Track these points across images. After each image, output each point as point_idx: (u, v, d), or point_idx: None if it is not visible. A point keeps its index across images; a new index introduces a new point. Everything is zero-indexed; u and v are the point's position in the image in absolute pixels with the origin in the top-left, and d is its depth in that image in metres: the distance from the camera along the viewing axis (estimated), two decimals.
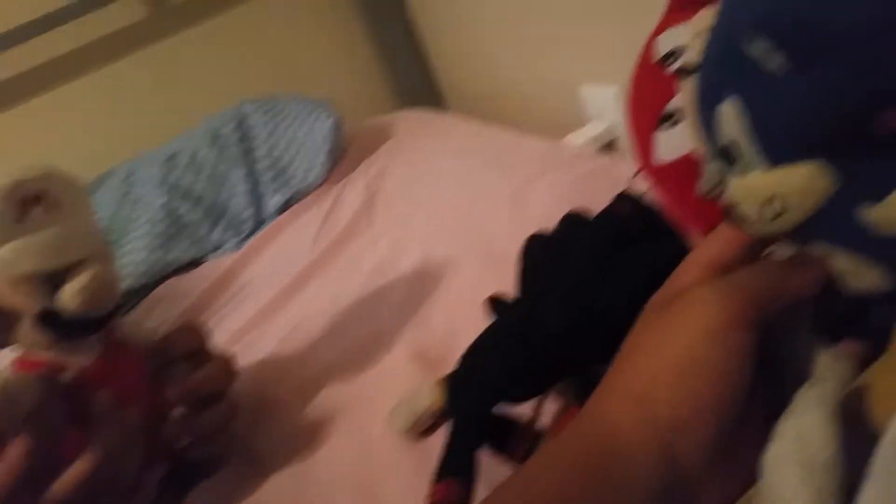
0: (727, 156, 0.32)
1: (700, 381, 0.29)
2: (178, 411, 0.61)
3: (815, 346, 0.33)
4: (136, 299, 1.06)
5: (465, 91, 1.47)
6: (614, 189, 0.74)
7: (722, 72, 0.31)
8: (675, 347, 0.31)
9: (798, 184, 0.30)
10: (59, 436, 0.51)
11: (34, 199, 0.52)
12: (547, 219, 0.57)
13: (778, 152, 0.30)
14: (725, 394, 0.29)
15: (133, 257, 1.09)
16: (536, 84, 1.15)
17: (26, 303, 0.51)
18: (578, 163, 0.85)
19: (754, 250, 0.35)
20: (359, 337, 0.73)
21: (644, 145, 0.60)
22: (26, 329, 0.52)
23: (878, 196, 0.29)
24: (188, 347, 0.62)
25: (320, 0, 1.54)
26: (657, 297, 0.36)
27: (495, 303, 0.50)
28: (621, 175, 0.77)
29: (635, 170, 0.74)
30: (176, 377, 0.61)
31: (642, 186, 0.71)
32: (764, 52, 0.28)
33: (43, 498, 0.48)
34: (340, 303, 0.81)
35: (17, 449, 0.48)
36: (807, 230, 0.32)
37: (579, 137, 0.96)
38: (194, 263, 1.13)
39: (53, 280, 0.51)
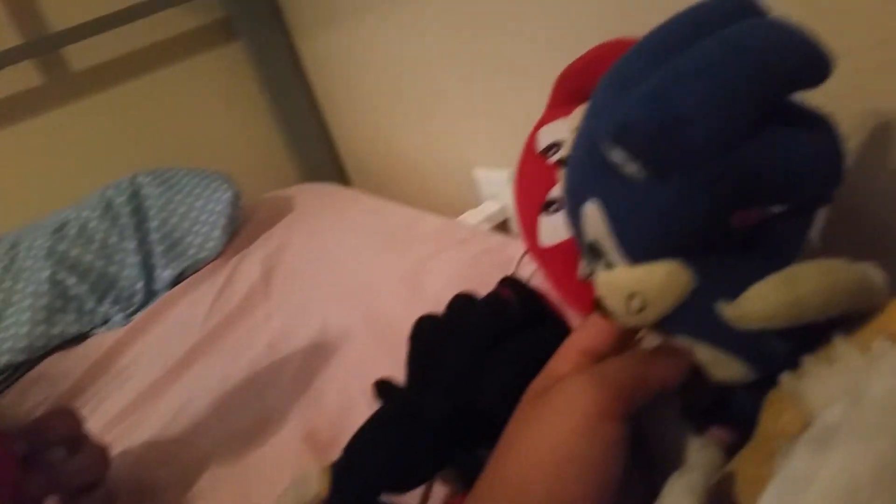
0: (593, 251, 0.34)
1: (573, 474, 0.30)
2: (51, 500, 0.58)
3: (684, 434, 0.34)
4: (17, 375, 1.00)
5: (367, 167, 1.49)
6: (506, 268, 0.76)
7: (585, 174, 0.33)
8: (548, 441, 0.31)
9: (657, 282, 0.31)
10: None
11: None
12: (440, 296, 0.58)
13: (638, 251, 0.31)
14: (598, 486, 0.30)
15: (14, 331, 1.03)
16: (434, 164, 1.17)
17: None
18: (472, 242, 0.87)
19: (625, 338, 0.37)
20: (248, 417, 0.71)
21: (529, 229, 0.62)
22: None
23: (734, 293, 0.31)
24: (62, 432, 0.59)
25: (223, 73, 1.54)
26: (535, 385, 0.37)
27: (382, 387, 0.49)
28: (513, 255, 0.79)
29: (523, 251, 0.77)
30: (49, 464, 0.58)
31: (530, 267, 0.74)
32: (621, 161, 0.29)
33: None
34: (230, 381, 0.79)
35: None
36: (670, 323, 0.33)
37: (474, 216, 0.98)
38: (81, 337, 1.08)
39: None
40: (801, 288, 0.29)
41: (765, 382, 0.32)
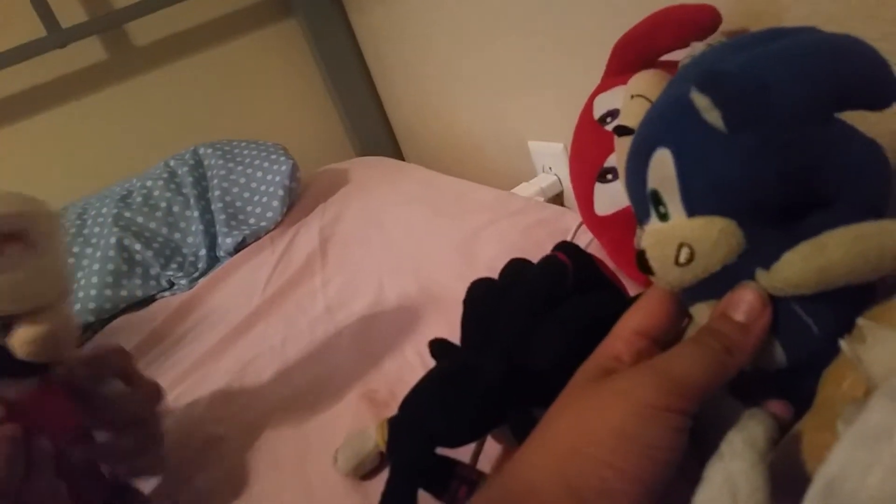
0: (652, 200, 0.34)
1: (631, 450, 0.30)
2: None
3: (737, 409, 0.33)
4: (85, 336, 1.06)
5: (421, 140, 1.51)
6: (561, 238, 0.77)
7: (661, 125, 0.33)
8: (607, 418, 0.31)
9: (712, 236, 0.31)
10: None
11: (11, 237, 0.50)
12: (494, 265, 0.59)
13: (698, 203, 0.32)
14: (656, 464, 0.30)
15: (83, 293, 1.08)
16: (488, 136, 1.18)
17: None
18: (527, 212, 0.88)
19: (677, 319, 0.37)
20: (308, 377, 0.74)
21: (585, 197, 0.63)
22: None
23: (767, 263, 0.31)
24: (117, 367, 0.61)
25: (281, 49, 1.57)
26: (589, 365, 0.36)
27: (439, 346, 0.51)
28: (568, 225, 0.80)
29: (579, 221, 0.77)
30: (104, 396, 0.59)
31: (586, 238, 0.74)
32: (704, 107, 0.30)
33: None
34: (290, 344, 0.82)
35: None
36: (704, 287, 0.33)
37: (529, 189, 0.98)
38: (147, 301, 1.13)
39: (10, 319, 0.51)
40: (829, 255, 0.29)
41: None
